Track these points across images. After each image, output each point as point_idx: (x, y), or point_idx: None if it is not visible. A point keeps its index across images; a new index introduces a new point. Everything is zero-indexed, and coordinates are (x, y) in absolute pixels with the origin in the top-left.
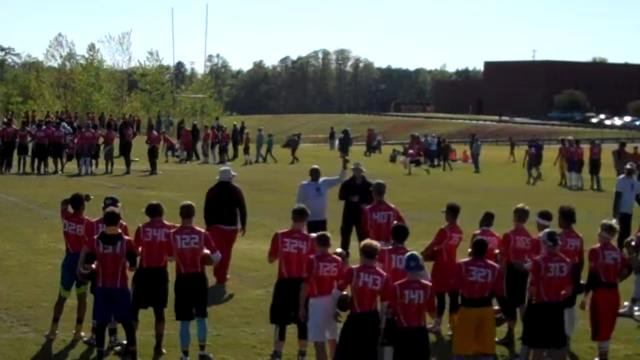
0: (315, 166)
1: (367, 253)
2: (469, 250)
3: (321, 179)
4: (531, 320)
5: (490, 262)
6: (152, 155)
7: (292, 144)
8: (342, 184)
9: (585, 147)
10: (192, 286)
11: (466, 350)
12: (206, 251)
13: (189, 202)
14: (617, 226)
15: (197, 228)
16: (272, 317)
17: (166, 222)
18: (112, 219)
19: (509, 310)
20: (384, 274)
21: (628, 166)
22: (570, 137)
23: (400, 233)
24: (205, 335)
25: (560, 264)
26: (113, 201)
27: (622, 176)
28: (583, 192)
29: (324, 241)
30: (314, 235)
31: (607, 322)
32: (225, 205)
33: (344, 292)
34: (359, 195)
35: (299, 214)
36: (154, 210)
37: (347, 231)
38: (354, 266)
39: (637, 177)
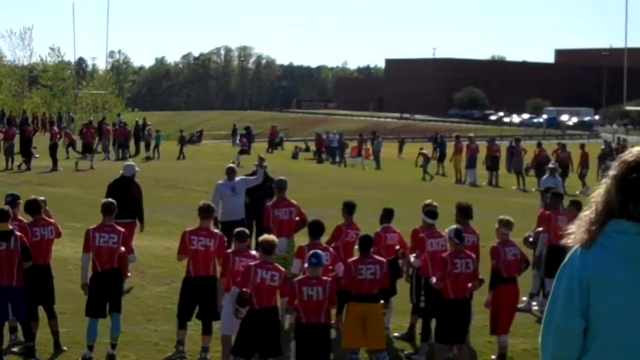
0: (231, 165)
1: (266, 249)
2: (356, 247)
3: (237, 178)
4: (439, 317)
5: (377, 257)
6: (53, 151)
7: (181, 140)
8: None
9: (483, 144)
10: (107, 282)
11: (354, 344)
12: (122, 248)
13: (110, 199)
14: (513, 220)
15: (118, 227)
16: (179, 313)
17: (46, 218)
18: (1, 216)
19: (413, 306)
20: (282, 270)
21: (551, 165)
22: (471, 134)
23: (316, 229)
24: (118, 333)
25: (466, 260)
26: (14, 198)
27: (545, 176)
28: (480, 188)
29: (242, 237)
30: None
31: (506, 316)
32: (122, 199)
33: (244, 289)
34: (251, 195)
35: (204, 212)
36: (35, 207)
37: (248, 228)
38: (251, 262)
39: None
